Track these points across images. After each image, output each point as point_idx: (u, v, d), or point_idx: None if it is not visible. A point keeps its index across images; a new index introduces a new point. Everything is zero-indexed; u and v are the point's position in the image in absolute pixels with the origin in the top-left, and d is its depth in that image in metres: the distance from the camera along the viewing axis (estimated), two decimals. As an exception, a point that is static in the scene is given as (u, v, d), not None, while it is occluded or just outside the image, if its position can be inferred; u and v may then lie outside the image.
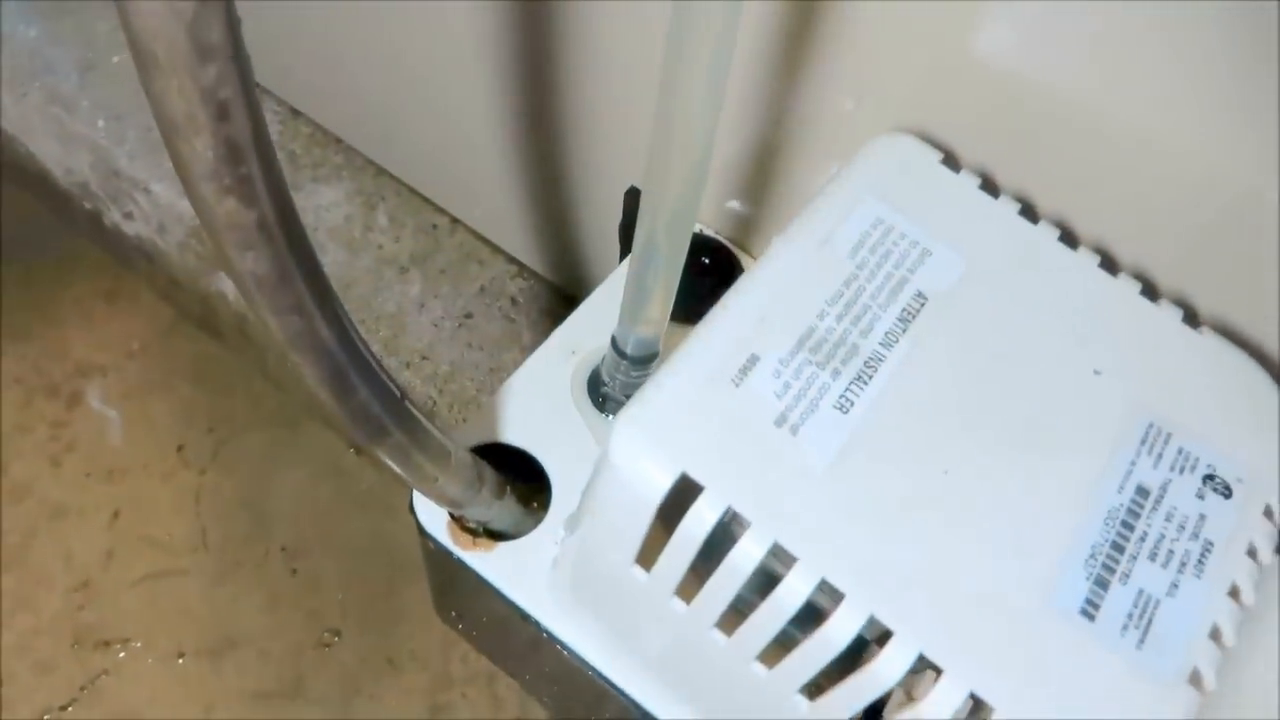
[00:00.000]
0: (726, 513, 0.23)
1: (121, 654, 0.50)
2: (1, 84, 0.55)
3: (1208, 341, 0.27)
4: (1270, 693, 0.25)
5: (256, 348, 0.56)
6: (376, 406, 0.26)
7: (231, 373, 0.58)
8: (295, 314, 0.22)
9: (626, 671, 0.31)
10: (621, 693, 0.31)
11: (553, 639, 0.32)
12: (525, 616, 0.32)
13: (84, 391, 0.56)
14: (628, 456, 0.24)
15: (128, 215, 0.54)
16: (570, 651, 0.31)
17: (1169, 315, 0.27)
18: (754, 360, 0.24)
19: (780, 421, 0.24)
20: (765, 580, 0.23)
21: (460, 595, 0.36)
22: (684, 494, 0.23)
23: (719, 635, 0.25)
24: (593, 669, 0.31)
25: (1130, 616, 0.23)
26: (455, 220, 0.51)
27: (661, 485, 0.23)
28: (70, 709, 0.48)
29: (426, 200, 0.52)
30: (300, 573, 0.53)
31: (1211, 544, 0.24)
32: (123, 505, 0.54)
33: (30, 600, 0.51)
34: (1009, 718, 0.21)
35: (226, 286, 0.53)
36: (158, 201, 0.52)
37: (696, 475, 0.23)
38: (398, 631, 0.52)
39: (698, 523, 0.23)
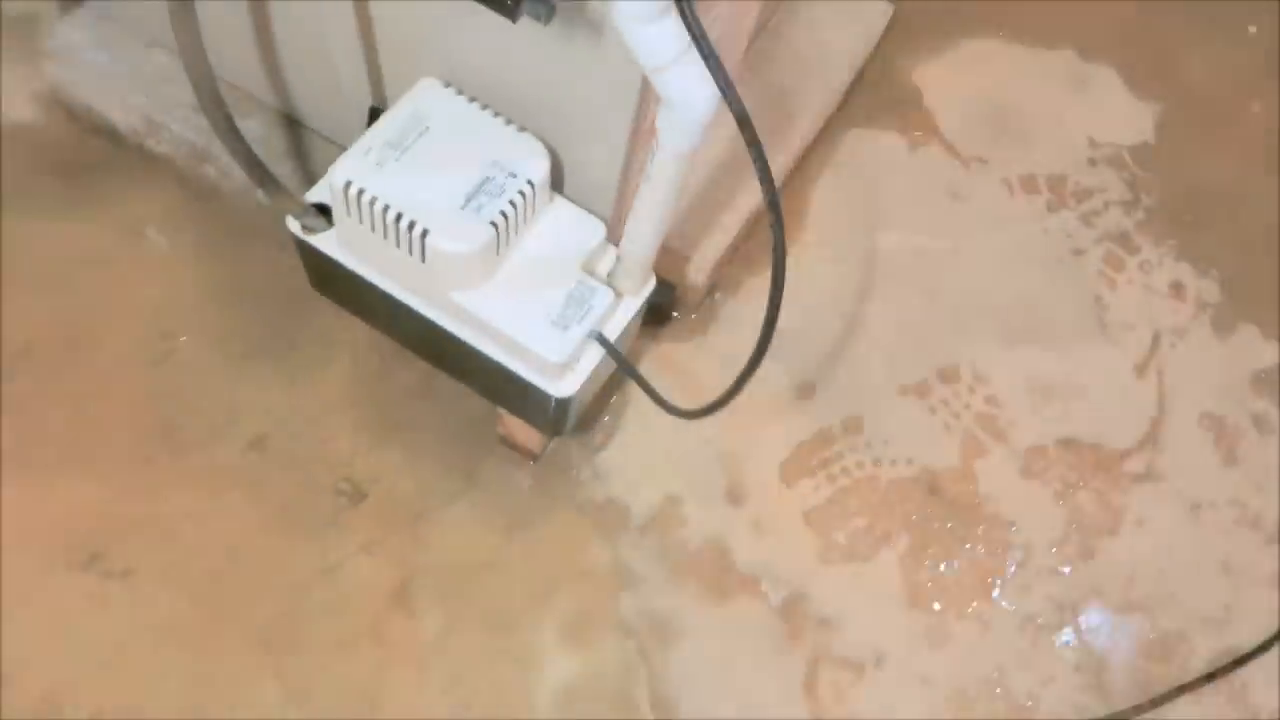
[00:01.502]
0: (363, 190, 0.83)
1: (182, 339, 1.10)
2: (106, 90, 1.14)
3: (525, 135, 0.87)
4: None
5: (224, 201, 1.15)
6: (259, 171, 0.86)
7: (213, 215, 1.17)
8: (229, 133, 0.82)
9: (381, 277, 0.90)
10: (379, 289, 0.91)
11: (345, 268, 0.91)
12: (335, 262, 0.92)
13: (143, 229, 1.16)
14: (335, 177, 0.83)
15: (158, 142, 1.13)
16: (352, 272, 0.91)
17: (514, 129, 0.87)
18: (370, 150, 0.84)
19: (379, 163, 0.84)
20: (384, 223, 0.83)
21: (312, 263, 0.95)
22: (349, 188, 0.83)
23: (391, 245, 0.85)
24: (362, 278, 0.91)
25: (475, 210, 0.83)
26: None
27: (341, 182, 0.83)
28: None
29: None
30: (260, 296, 1.13)
31: (504, 188, 0.84)
32: (171, 277, 1.14)
33: (114, 316, 1.11)
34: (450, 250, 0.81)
35: (209, 172, 1.12)
36: (175, 135, 1.11)
37: (352, 178, 0.83)
38: (303, 324, 1.12)
39: (353, 191, 0.83)
